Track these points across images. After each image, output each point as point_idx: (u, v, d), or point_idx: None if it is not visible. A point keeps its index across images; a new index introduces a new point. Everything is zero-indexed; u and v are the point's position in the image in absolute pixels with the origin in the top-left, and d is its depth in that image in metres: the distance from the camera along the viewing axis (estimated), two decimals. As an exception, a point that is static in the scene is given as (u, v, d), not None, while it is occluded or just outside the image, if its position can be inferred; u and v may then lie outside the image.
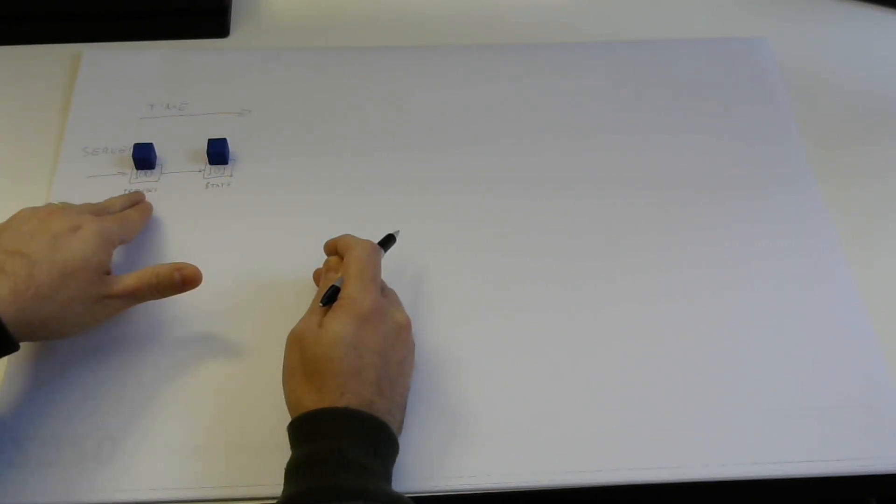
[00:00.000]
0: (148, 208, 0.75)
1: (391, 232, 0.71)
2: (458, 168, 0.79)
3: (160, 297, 0.67)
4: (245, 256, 0.73)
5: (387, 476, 0.59)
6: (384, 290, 0.66)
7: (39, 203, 0.75)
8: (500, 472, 0.64)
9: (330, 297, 0.63)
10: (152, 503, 0.62)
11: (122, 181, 0.77)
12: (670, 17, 0.92)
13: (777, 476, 0.64)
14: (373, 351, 0.61)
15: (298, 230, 0.75)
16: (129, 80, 0.84)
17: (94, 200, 0.75)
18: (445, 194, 0.78)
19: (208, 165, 0.79)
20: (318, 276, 0.70)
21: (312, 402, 0.59)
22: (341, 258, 0.66)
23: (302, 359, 0.60)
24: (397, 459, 0.60)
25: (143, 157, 0.77)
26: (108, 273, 0.65)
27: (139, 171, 0.78)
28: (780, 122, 0.84)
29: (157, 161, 0.79)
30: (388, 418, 0.60)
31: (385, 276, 0.68)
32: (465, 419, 0.66)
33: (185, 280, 0.66)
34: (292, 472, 0.57)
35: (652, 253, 0.75)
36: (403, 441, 0.62)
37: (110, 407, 0.65)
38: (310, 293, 0.68)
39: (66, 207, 0.67)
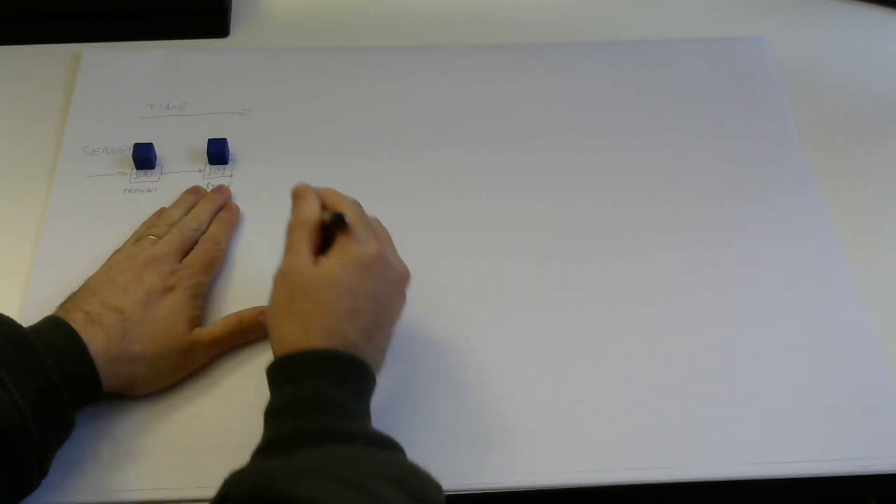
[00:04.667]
0: (234, 217, 0.74)
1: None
2: (458, 168, 0.79)
3: (243, 342, 0.68)
4: (245, 256, 0.73)
5: (367, 415, 0.58)
6: (379, 235, 0.63)
7: (39, 203, 0.76)
8: (499, 472, 0.64)
9: (336, 223, 0.60)
10: (152, 503, 0.62)
11: (122, 181, 0.77)
12: (670, 17, 0.92)
13: (777, 476, 0.64)
14: (369, 297, 0.59)
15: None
16: (129, 80, 0.84)
17: (94, 200, 0.76)
18: (446, 194, 0.78)
19: (208, 165, 0.79)
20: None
21: (297, 340, 0.57)
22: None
23: (290, 296, 0.59)
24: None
25: (143, 157, 0.77)
26: (197, 325, 0.66)
27: (139, 171, 0.78)
28: (780, 121, 0.84)
29: (157, 161, 0.79)
30: (371, 362, 0.59)
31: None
32: (465, 420, 0.66)
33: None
34: (273, 415, 0.56)
35: (651, 253, 0.75)
36: (403, 441, 0.62)
37: (110, 407, 0.65)
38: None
39: (160, 257, 0.67)
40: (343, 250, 0.60)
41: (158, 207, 0.75)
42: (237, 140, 0.80)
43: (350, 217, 0.61)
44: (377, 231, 0.63)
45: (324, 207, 0.62)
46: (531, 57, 0.88)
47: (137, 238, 0.71)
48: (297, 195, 0.63)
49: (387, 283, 0.61)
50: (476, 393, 0.67)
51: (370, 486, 0.51)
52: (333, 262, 0.59)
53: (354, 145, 0.81)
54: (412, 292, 0.72)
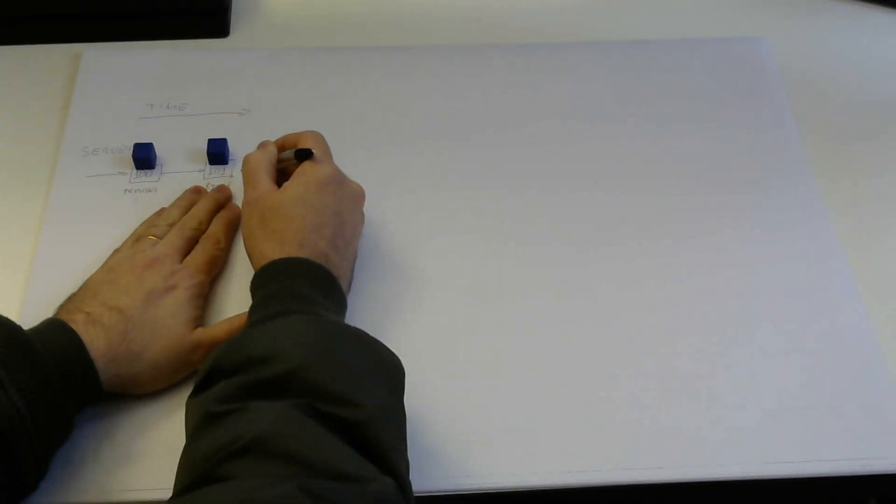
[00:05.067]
0: (234, 216, 0.75)
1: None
2: (458, 167, 0.79)
3: None
4: (246, 256, 0.73)
5: (338, 314, 0.63)
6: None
7: (39, 203, 0.76)
8: (499, 472, 0.64)
9: (302, 156, 0.68)
10: (152, 503, 0.62)
11: (122, 181, 0.77)
12: (670, 17, 0.92)
13: (777, 476, 0.64)
14: (332, 212, 0.66)
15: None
16: (129, 80, 0.84)
17: (94, 200, 0.76)
18: (446, 193, 0.78)
19: (208, 165, 0.79)
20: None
21: (273, 254, 0.63)
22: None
23: (262, 218, 0.65)
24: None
25: (143, 157, 0.77)
26: (198, 326, 0.67)
27: (139, 171, 0.78)
28: (780, 121, 0.84)
29: (157, 161, 0.79)
30: (340, 274, 0.65)
31: (386, 273, 0.68)
32: (465, 419, 0.66)
33: None
34: (248, 315, 0.62)
35: (651, 254, 0.75)
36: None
37: (110, 407, 0.65)
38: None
39: (161, 258, 0.67)
40: (304, 171, 0.67)
41: (158, 207, 0.75)
42: (237, 140, 0.80)
43: (311, 146, 0.69)
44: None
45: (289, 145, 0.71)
46: (531, 57, 0.87)
47: (137, 238, 0.71)
48: (261, 146, 0.72)
49: (346, 199, 0.68)
50: (476, 392, 0.67)
51: (327, 339, 0.57)
52: (296, 184, 0.67)
53: (354, 145, 0.80)
54: (413, 290, 0.72)
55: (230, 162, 0.79)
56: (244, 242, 0.67)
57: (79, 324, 0.61)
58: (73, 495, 0.62)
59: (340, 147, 0.80)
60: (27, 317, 0.63)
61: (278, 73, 0.86)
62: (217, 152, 0.78)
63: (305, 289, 0.61)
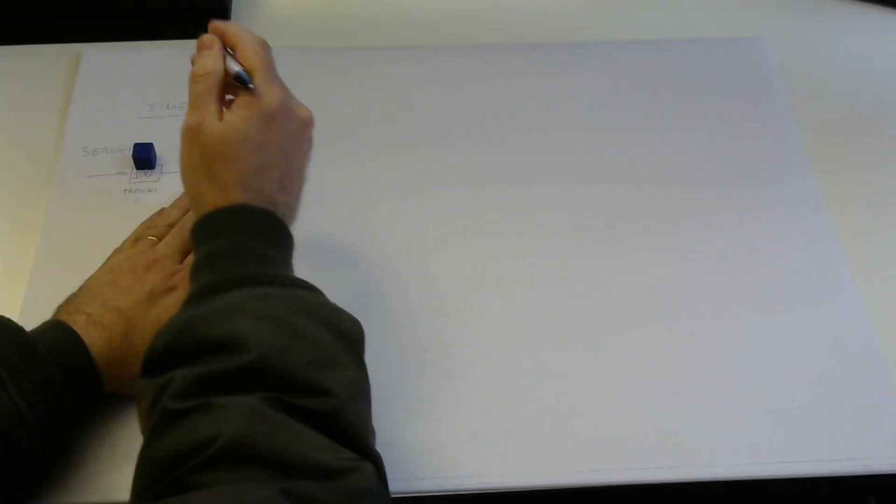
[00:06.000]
0: None
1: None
2: (458, 167, 0.79)
3: None
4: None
5: (288, 266, 0.59)
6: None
7: (39, 203, 0.76)
8: (499, 472, 0.64)
9: (242, 80, 0.61)
10: (152, 503, 0.62)
11: (122, 181, 0.77)
12: (670, 17, 0.92)
13: (777, 476, 0.64)
14: (278, 149, 0.60)
15: (298, 229, 0.75)
16: (129, 80, 0.84)
17: (94, 200, 0.76)
18: (446, 193, 0.78)
19: (208, 165, 0.79)
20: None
21: (214, 199, 0.59)
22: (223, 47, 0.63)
23: (203, 155, 0.59)
24: (397, 457, 0.60)
25: (143, 157, 0.78)
26: None
27: (139, 171, 0.78)
28: (780, 121, 0.83)
29: (157, 161, 0.79)
30: (286, 213, 0.61)
31: (386, 272, 0.68)
32: (465, 419, 0.66)
33: None
34: (194, 272, 0.57)
35: (652, 254, 0.75)
36: (403, 441, 0.63)
37: (110, 407, 0.65)
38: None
39: (162, 259, 0.67)
40: (247, 104, 0.60)
41: (158, 207, 0.75)
42: (237, 140, 0.80)
43: (254, 63, 0.61)
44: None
45: (233, 50, 0.63)
46: (531, 57, 0.87)
47: (137, 237, 0.71)
48: (202, 45, 0.63)
49: (293, 133, 0.62)
50: (476, 392, 0.67)
51: (287, 317, 0.53)
52: (238, 118, 0.60)
53: (354, 145, 0.81)
54: (414, 288, 0.72)
55: (230, 162, 0.79)
56: (181, 176, 0.61)
57: (80, 325, 0.61)
58: (73, 495, 0.62)
59: (340, 147, 0.81)
60: (27, 317, 0.63)
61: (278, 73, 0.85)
62: (217, 152, 0.78)
63: (253, 242, 0.57)
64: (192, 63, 0.63)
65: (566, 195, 0.78)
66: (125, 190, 0.77)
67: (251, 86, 0.61)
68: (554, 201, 0.78)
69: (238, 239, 0.57)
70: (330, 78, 0.85)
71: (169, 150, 0.79)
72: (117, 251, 0.70)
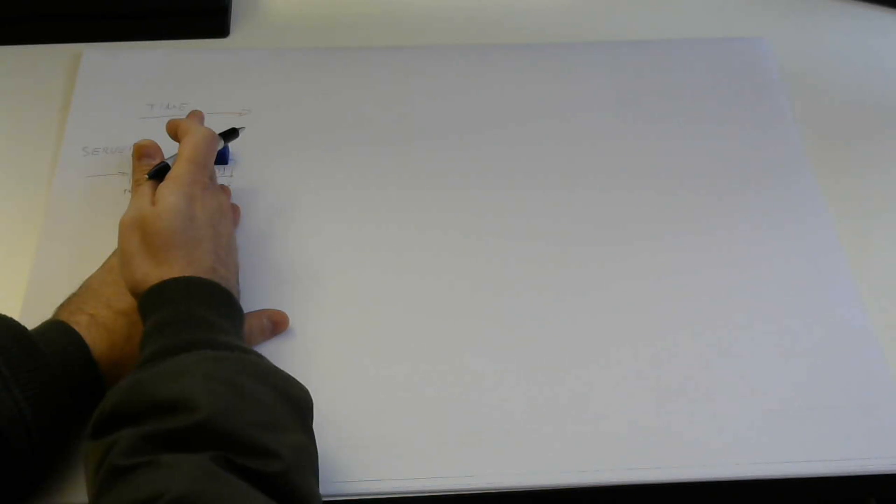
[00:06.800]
0: (234, 217, 0.74)
1: (235, 126, 0.74)
2: (458, 167, 0.79)
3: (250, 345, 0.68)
4: (246, 256, 0.73)
5: (238, 335, 0.60)
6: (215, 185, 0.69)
7: (39, 203, 0.76)
8: (499, 472, 0.64)
9: (158, 172, 0.66)
10: (152, 503, 0.62)
11: (122, 181, 0.77)
12: (670, 17, 0.92)
13: (777, 476, 0.64)
14: (206, 223, 0.64)
15: (299, 229, 0.75)
16: (129, 80, 0.84)
17: (94, 200, 0.76)
18: (446, 193, 0.78)
19: (208, 165, 0.79)
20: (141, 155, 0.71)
21: (158, 275, 0.60)
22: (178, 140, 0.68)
23: (143, 239, 0.62)
24: (397, 458, 0.60)
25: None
26: None
27: (139, 171, 0.78)
28: (780, 121, 0.83)
29: (157, 161, 0.79)
30: (230, 286, 0.62)
31: (386, 272, 0.68)
32: (465, 418, 0.66)
33: (274, 325, 0.68)
34: (143, 344, 0.58)
35: (650, 254, 0.75)
36: (403, 441, 0.63)
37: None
38: (307, 290, 0.68)
39: None
40: (168, 181, 0.64)
41: (158, 207, 0.75)
42: (237, 140, 0.80)
43: (179, 155, 0.66)
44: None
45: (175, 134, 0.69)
46: (531, 57, 0.87)
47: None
48: (140, 153, 0.70)
49: (215, 210, 0.65)
50: (476, 392, 0.67)
51: (236, 379, 0.53)
52: (165, 192, 0.63)
53: (354, 145, 0.81)
54: (412, 288, 0.72)
55: (230, 162, 0.79)
56: (121, 270, 0.63)
57: (82, 326, 0.61)
58: (73, 495, 0.61)
59: (340, 147, 0.81)
60: (27, 317, 0.63)
61: (278, 73, 0.86)
62: (217, 152, 0.78)
63: (202, 310, 0.58)
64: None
65: (566, 195, 0.78)
66: (125, 190, 0.77)
67: (157, 178, 0.66)
68: (554, 201, 0.77)
69: (187, 307, 0.58)
70: (329, 78, 0.85)
71: (169, 150, 0.79)
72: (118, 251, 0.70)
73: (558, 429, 0.66)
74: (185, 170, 0.65)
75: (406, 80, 0.85)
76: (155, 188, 0.65)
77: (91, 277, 0.67)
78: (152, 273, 0.60)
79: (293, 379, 0.57)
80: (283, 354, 0.68)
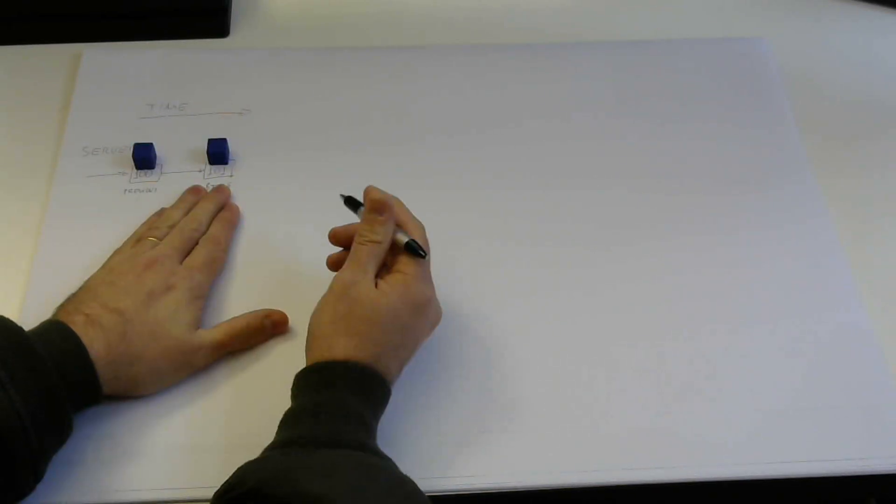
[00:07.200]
0: (234, 217, 0.75)
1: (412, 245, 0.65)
2: (459, 167, 0.80)
3: (247, 346, 0.68)
4: (246, 256, 0.73)
5: (375, 433, 0.61)
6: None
7: (39, 203, 0.76)
8: (500, 472, 0.64)
9: (414, 250, 0.63)
10: (152, 503, 0.62)
11: (122, 181, 0.77)
12: (670, 17, 0.92)
13: (777, 476, 0.64)
14: (415, 336, 0.63)
15: (299, 230, 0.75)
16: (129, 80, 0.84)
17: (94, 200, 0.76)
18: (446, 193, 0.78)
19: (208, 165, 0.79)
20: (334, 260, 0.67)
21: (346, 352, 0.60)
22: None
23: (350, 310, 0.61)
24: (396, 459, 0.60)
25: (143, 157, 0.77)
26: (198, 327, 0.66)
27: (139, 171, 0.78)
28: (780, 121, 0.84)
29: (157, 161, 0.79)
30: (393, 384, 0.62)
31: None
32: (465, 419, 0.66)
33: (274, 326, 0.68)
34: (294, 416, 0.59)
35: (650, 254, 0.75)
36: (403, 441, 0.63)
37: (110, 407, 0.65)
38: (307, 290, 0.67)
39: (161, 259, 0.67)
40: (406, 286, 0.62)
41: (158, 207, 0.75)
42: (237, 140, 0.80)
43: (423, 246, 0.64)
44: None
45: (397, 225, 0.65)
46: (531, 57, 0.88)
47: (138, 239, 0.71)
48: (376, 207, 0.64)
49: (428, 325, 0.65)
50: (476, 392, 0.67)
51: (379, 497, 0.54)
52: (396, 296, 0.62)
53: (354, 145, 0.81)
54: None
55: (230, 162, 0.79)
56: (312, 319, 0.62)
57: (78, 325, 0.61)
58: (73, 495, 0.62)
59: (340, 147, 0.81)
60: (27, 317, 0.63)
61: (278, 73, 0.86)
62: (217, 152, 0.78)
63: (357, 405, 0.59)
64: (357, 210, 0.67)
65: (566, 195, 0.78)
66: (125, 190, 0.77)
67: (423, 254, 0.63)
68: (554, 201, 0.77)
69: (348, 398, 0.59)
70: (330, 78, 0.85)
71: (169, 150, 0.79)
72: (118, 252, 0.70)
73: (558, 429, 0.66)
74: (421, 274, 0.63)
75: (406, 80, 0.85)
76: (381, 262, 0.63)
77: (90, 278, 0.67)
78: (339, 346, 0.60)
79: (423, 495, 0.57)
80: (283, 354, 0.68)
